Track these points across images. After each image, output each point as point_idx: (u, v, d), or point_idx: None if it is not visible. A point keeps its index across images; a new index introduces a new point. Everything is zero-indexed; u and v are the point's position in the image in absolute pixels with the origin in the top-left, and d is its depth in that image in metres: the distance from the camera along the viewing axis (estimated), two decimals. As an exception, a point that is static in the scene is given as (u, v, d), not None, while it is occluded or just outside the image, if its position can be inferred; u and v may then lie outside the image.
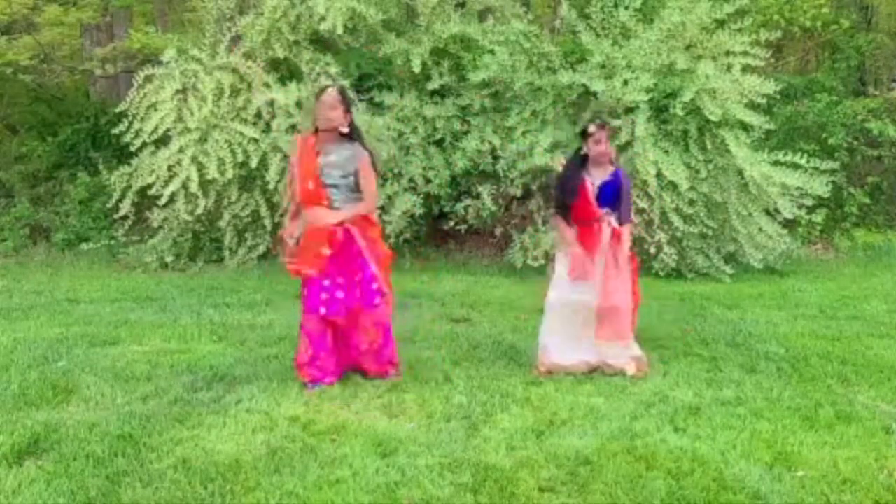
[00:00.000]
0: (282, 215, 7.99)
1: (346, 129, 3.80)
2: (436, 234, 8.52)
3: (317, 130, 3.85)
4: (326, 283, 3.80)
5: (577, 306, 4.15)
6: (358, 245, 3.83)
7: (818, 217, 8.66)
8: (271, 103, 7.75)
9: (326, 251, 3.76)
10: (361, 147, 3.87)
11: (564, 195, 4.24)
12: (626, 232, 4.22)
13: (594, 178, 4.18)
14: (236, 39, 8.16)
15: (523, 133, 7.68)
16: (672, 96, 7.33)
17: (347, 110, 3.81)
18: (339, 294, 3.81)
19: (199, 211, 7.78)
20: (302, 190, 3.84)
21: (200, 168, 7.57)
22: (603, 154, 4.19)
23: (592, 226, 4.18)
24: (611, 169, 4.24)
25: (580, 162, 4.24)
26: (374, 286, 3.86)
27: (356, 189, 3.83)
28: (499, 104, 8.02)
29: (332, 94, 3.78)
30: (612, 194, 4.18)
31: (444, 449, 3.09)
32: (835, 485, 2.80)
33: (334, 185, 3.80)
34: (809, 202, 7.79)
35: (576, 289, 4.15)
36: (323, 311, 3.80)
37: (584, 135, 4.25)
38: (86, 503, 2.65)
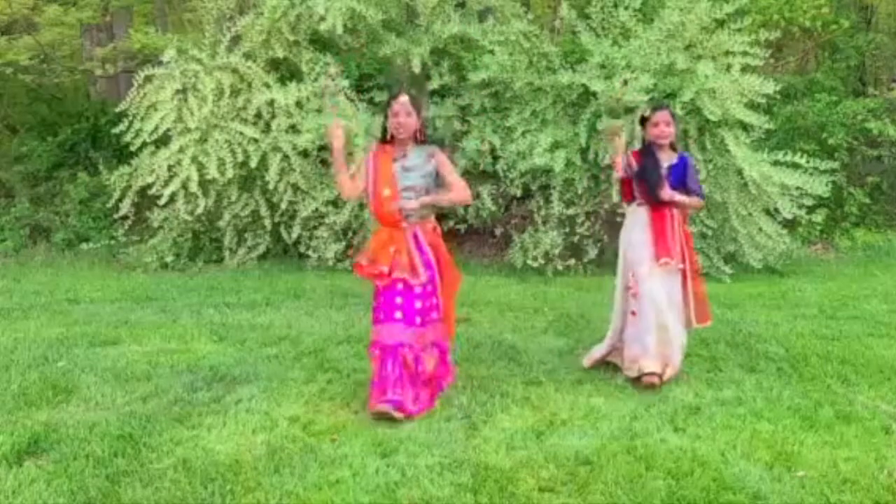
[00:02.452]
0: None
1: (420, 136, 3.71)
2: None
3: (388, 139, 3.71)
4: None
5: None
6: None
7: (818, 217, 8.65)
8: (271, 103, 7.75)
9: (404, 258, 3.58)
10: (433, 146, 3.80)
11: (653, 183, 4.07)
12: (696, 201, 4.19)
13: (662, 162, 4.11)
14: (236, 39, 8.16)
15: (523, 133, 7.68)
16: (672, 96, 7.32)
17: (419, 114, 3.70)
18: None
19: (199, 211, 7.78)
20: (375, 195, 3.67)
21: (200, 168, 7.57)
22: (662, 135, 4.09)
23: (664, 210, 4.09)
24: (674, 154, 4.17)
25: (648, 150, 4.16)
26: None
27: (432, 191, 3.69)
28: (499, 104, 8.01)
29: (404, 101, 3.63)
30: (679, 178, 4.10)
31: (444, 449, 3.09)
32: (835, 485, 2.80)
33: (411, 188, 3.63)
34: (809, 202, 7.78)
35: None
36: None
37: (643, 121, 4.20)
38: (86, 503, 2.65)
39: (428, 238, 3.67)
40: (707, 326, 4.31)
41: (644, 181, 4.11)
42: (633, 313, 4.08)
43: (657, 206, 4.09)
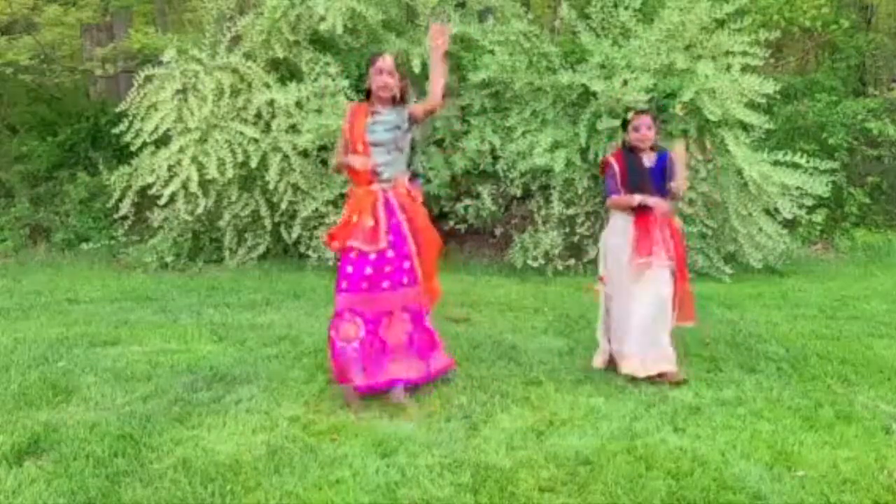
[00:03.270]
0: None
1: (397, 94, 3.72)
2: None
3: (368, 96, 3.76)
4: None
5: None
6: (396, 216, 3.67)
7: (818, 217, 8.66)
8: (271, 103, 7.75)
9: (369, 222, 3.61)
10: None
11: (635, 181, 4.06)
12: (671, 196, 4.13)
13: (645, 162, 4.11)
14: (236, 39, 8.16)
15: (523, 133, 7.68)
16: (672, 96, 7.32)
17: (403, 77, 3.74)
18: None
19: (199, 211, 7.78)
20: (353, 153, 3.69)
21: (200, 168, 7.57)
22: (642, 140, 4.09)
23: (651, 213, 4.06)
24: (654, 155, 4.14)
25: (629, 150, 4.15)
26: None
27: (399, 148, 3.71)
28: (499, 104, 8.02)
29: (388, 60, 3.69)
30: (661, 176, 4.08)
31: (444, 449, 3.09)
32: (835, 485, 2.80)
33: (379, 143, 3.66)
34: (809, 202, 7.78)
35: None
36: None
37: (625, 124, 4.20)
38: (86, 503, 2.65)
39: (400, 200, 3.69)
40: (690, 326, 4.30)
41: (627, 188, 4.09)
42: (608, 311, 4.21)
43: (640, 209, 4.07)
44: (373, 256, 3.62)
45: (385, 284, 3.65)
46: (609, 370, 4.16)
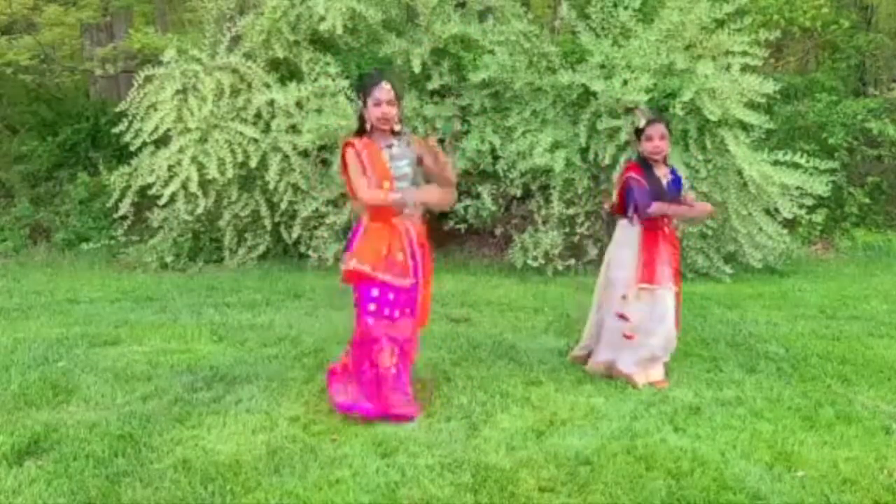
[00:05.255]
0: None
1: (398, 128, 3.48)
2: (436, 234, 8.48)
3: (363, 131, 3.49)
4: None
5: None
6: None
7: (818, 217, 8.65)
8: (271, 103, 7.75)
9: (399, 256, 3.43)
10: (407, 131, 3.62)
11: (655, 198, 3.92)
12: (701, 208, 4.17)
13: (658, 176, 3.98)
14: (236, 39, 8.16)
15: (523, 133, 7.68)
16: (671, 96, 7.33)
17: (400, 102, 3.51)
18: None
19: (199, 211, 7.78)
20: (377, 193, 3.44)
21: (200, 168, 7.57)
22: (657, 151, 3.93)
23: (661, 229, 3.98)
24: (666, 168, 4.03)
25: (645, 164, 3.99)
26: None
27: (417, 182, 3.51)
28: (499, 104, 8.02)
29: (386, 89, 3.39)
30: (677, 191, 4.00)
31: (444, 449, 3.09)
32: (835, 485, 2.80)
33: (403, 177, 3.46)
34: (809, 202, 7.78)
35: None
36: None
37: (638, 133, 4.01)
38: (86, 503, 2.65)
39: (417, 231, 3.53)
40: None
41: (646, 201, 3.93)
42: (604, 324, 4.13)
43: (650, 225, 3.98)
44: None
45: (407, 311, 3.52)
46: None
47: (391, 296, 3.44)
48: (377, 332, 3.43)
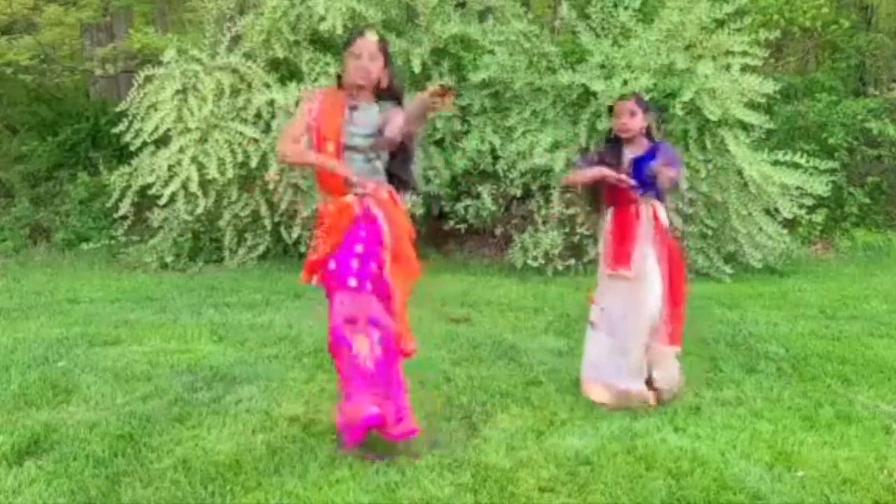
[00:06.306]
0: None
1: (385, 84, 2.97)
2: (436, 234, 8.51)
3: (341, 85, 3.03)
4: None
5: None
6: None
7: (818, 217, 8.66)
8: (271, 103, 7.75)
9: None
10: (396, 105, 3.00)
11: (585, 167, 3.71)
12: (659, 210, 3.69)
13: (626, 155, 3.65)
14: (236, 39, 8.16)
15: (523, 133, 7.68)
16: (671, 96, 7.33)
17: (388, 63, 2.98)
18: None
19: (199, 211, 7.78)
20: (318, 150, 2.98)
21: (200, 168, 7.57)
22: (622, 129, 3.64)
23: (628, 209, 3.66)
24: (646, 143, 3.67)
25: (614, 141, 3.72)
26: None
27: (376, 154, 3.00)
28: (499, 104, 8.02)
29: (371, 39, 2.92)
30: (641, 170, 3.60)
31: (444, 449, 3.09)
32: (835, 485, 2.80)
33: (353, 148, 2.95)
34: (809, 202, 7.79)
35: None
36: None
37: (611, 111, 3.77)
38: (86, 503, 2.65)
39: (384, 210, 3.01)
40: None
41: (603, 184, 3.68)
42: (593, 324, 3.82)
43: (620, 205, 3.69)
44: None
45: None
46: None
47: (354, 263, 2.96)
48: (343, 313, 2.94)
